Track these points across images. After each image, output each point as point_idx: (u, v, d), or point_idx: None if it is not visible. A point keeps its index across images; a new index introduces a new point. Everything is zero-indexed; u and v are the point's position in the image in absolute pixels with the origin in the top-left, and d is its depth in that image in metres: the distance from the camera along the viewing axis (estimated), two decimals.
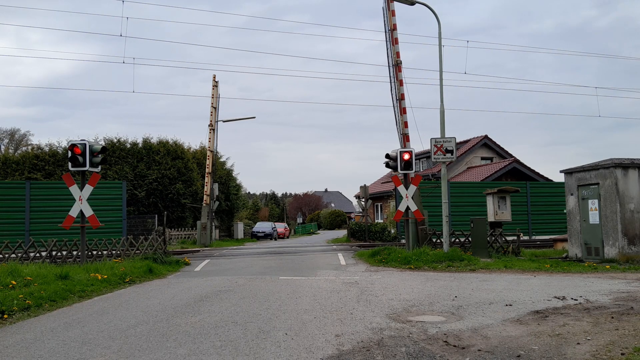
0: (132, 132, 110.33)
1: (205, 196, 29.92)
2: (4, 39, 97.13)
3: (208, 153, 30.61)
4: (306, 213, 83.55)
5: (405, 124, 19.41)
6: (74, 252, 15.08)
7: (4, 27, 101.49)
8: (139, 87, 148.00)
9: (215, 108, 30.59)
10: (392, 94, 19.63)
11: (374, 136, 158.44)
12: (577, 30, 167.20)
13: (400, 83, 19.62)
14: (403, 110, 19.48)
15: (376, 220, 39.08)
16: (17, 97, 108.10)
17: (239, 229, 39.53)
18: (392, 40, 19.90)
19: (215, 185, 31.11)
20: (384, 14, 20.08)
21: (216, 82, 31.00)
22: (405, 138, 19.28)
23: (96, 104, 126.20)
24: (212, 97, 30.80)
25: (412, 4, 15.93)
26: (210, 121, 30.65)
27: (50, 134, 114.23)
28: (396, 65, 19.75)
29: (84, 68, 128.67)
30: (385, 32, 20.06)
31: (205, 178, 30.50)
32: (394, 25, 19.90)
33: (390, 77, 19.86)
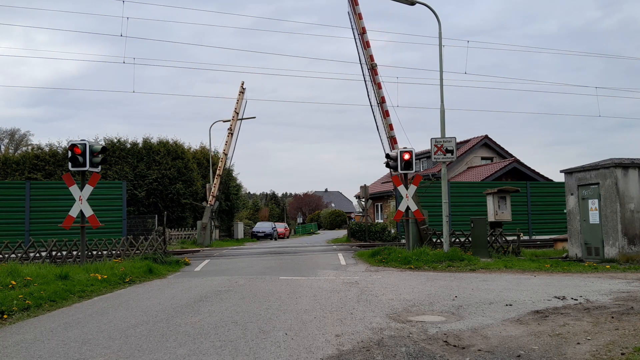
0: (136, 133, 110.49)
1: (210, 197, 29.99)
2: (11, 40, 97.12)
3: (222, 156, 30.90)
4: (306, 213, 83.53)
5: (391, 127, 19.39)
6: (74, 252, 15.07)
7: (12, 28, 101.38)
8: (145, 87, 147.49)
9: (237, 113, 30.83)
10: (369, 99, 19.63)
11: (375, 136, 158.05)
12: (580, 31, 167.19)
13: (379, 86, 19.58)
14: (386, 113, 19.47)
15: (376, 220, 39.07)
16: (23, 98, 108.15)
17: (239, 229, 39.52)
18: (364, 43, 19.82)
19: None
20: (350, 19, 19.98)
21: (243, 88, 31.30)
22: (392, 141, 19.27)
23: (100, 104, 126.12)
24: (237, 103, 31.06)
25: (412, 4, 15.90)
26: (231, 125, 30.88)
27: (54, 134, 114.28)
28: (372, 69, 19.70)
29: (90, 68, 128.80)
30: (355, 37, 20.00)
31: (214, 180, 30.74)
32: (363, 28, 19.80)
33: (365, 81, 19.80)
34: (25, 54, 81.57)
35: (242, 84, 31.17)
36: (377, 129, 19.66)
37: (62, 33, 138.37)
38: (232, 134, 30.75)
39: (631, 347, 5.03)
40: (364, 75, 19.83)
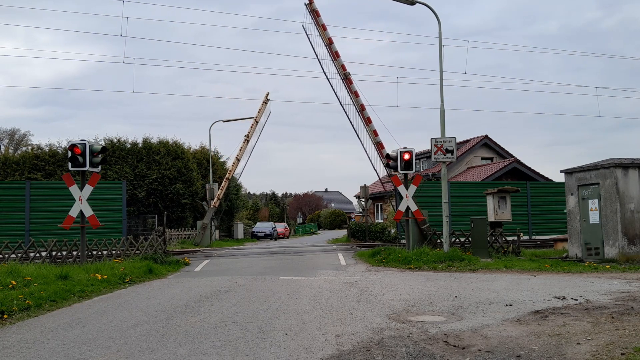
0: (136, 133, 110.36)
1: (216, 199, 30.40)
2: (12, 40, 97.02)
3: (234, 161, 31.32)
4: (306, 213, 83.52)
5: (375, 133, 19.42)
6: (74, 252, 15.06)
7: (13, 29, 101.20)
8: (146, 87, 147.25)
9: (257, 122, 31.27)
10: (345, 111, 19.79)
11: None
12: (581, 32, 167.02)
13: (356, 95, 19.56)
14: (368, 120, 19.47)
15: (376, 220, 39.07)
16: (24, 98, 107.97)
17: (239, 229, 39.53)
18: (333, 54, 19.74)
19: (215, 185, 31.29)
20: (306, 33, 19.98)
21: (267, 99, 31.89)
22: (379, 146, 19.34)
23: (101, 104, 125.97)
24: (259, 112, 31.47)
25: (412, 3, 15.87)
26: (248, 133, 31.24)
27: (55, 134, 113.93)
28: (346, 79, 19.64)
29: (91, 69, 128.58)
30: (314, 49, 19.96)
31: (223, 182, 31.23)
32: (329, 39, 19.73)
33: (335, 94, 19.91)
34: (26, 54, 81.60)
35: (267, 95, 31.97)
36: (359, 137, 19.76)
37: (63, 33, 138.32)
38: (248, 140, 31.17)
39: (631, 347, 5.03)
40: (333, 90, 19.92)
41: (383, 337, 5.70)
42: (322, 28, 19.98)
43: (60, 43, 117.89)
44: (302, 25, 20.20)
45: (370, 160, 20.14)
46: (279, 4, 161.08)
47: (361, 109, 19.51)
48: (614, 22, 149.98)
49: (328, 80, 19.92)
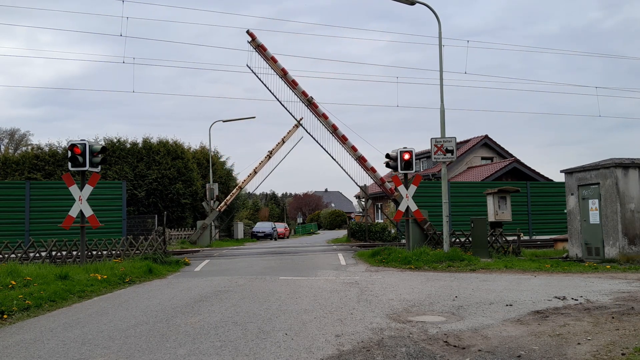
0: (136, 133, 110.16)
1: (223, 204, 30.86)
2: (14, 40, 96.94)
3: (251, 172, 32.16)
4: (306, 213, 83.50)
5: (353, 149, 19.48)
6: (74, 252, 15.06)
7: (14, 29, 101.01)
8: (147, 87, 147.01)
9: (283, 141, 32.25)
10: (314, 138, 19.75)
11: (376, 136, 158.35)
12: (582, 32, 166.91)
13: (324, 117, 19.53)
14: (343, 139, 19.52)
15: (376, 220, 39.07)
16: (25, 98, 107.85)
17: (239, 229, 39.53)
18: (290, 83, 19.55)
19: (215, 185, 31.32)
20: (253, 71, 19.41)
21: (300, 123, 32.22)
22: (361, 160, 19.40)
23: (102, 104, 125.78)
24: (288, 132, 32.40)
25: (412, 3, 15.84)
26: (272, 149, 32.21)
27: (55, 134, 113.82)
28: (310, 104, 19.59)
29: (92, 69, 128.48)
30: (264, 83, 19.64)
31: (234, 190, 32.20)
32: (283, 70, 19.39)
33: (296, 120, 19.98)
34: (28, 54, 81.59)
35: (300, 120, 32.14)
36: (336, 161, 19.82)
37: (65, 33, 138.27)
38: (270, 157, 31.90)
39: (632, 347, 5.02)
40: (294, 118, 20.02)
41: (383, 337, 5.70)
42: (272, 61, 19.33)
43: (61, 43, 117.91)
44: (247, 65, 19.44)
45: (350, 176, 20.28)
46: (280, 4, 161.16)
47: (333, 130, 19.48)
48: (615, 22, 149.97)
49: (300, 123, 20.06)
